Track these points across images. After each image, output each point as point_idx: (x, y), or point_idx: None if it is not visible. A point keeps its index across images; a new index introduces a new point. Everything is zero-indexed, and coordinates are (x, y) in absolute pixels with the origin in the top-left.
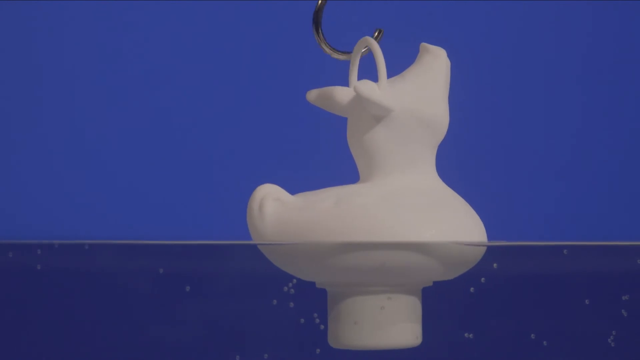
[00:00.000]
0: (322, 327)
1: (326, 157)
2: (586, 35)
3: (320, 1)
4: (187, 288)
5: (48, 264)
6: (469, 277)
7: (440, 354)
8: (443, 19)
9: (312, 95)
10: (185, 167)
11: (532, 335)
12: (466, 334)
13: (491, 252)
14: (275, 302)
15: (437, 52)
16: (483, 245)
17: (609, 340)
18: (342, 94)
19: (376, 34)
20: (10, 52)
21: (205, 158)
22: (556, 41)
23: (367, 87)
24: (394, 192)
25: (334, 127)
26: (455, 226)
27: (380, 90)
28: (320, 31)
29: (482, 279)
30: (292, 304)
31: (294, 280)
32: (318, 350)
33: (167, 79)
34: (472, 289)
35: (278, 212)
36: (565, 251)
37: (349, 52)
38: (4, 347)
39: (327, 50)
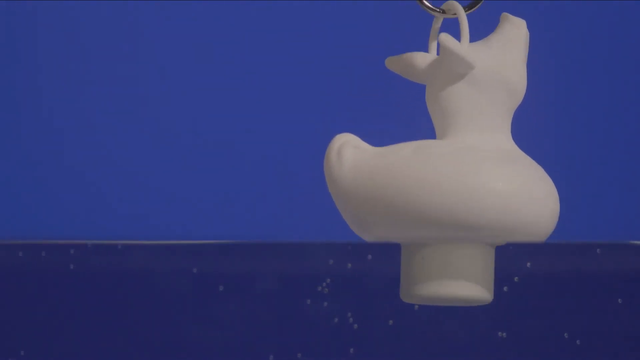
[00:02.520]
0: (355, 326)
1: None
2: None
3: None
4: (221, 288)
5: (81, 264)
6: (502, 276)
7: (473, 353)
8: None
9: (391, 62)
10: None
11: (565, 334)
12: (500, 333)
13: (525, 250)
14: (309, 301)
15: (518, 23)
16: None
17: None
18: (422, 60)
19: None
20: (18, 54)
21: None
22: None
23: (451, 40)
24: (473, 147)
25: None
26: (532, 183)
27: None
28: None
29: (515, 278)
30: (325, 304)
31: (328, 280)
32: (352, 350)
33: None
34: (505, 288)
35: (357, 158)
36: (598, 250)
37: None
38: (38, 346)
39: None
